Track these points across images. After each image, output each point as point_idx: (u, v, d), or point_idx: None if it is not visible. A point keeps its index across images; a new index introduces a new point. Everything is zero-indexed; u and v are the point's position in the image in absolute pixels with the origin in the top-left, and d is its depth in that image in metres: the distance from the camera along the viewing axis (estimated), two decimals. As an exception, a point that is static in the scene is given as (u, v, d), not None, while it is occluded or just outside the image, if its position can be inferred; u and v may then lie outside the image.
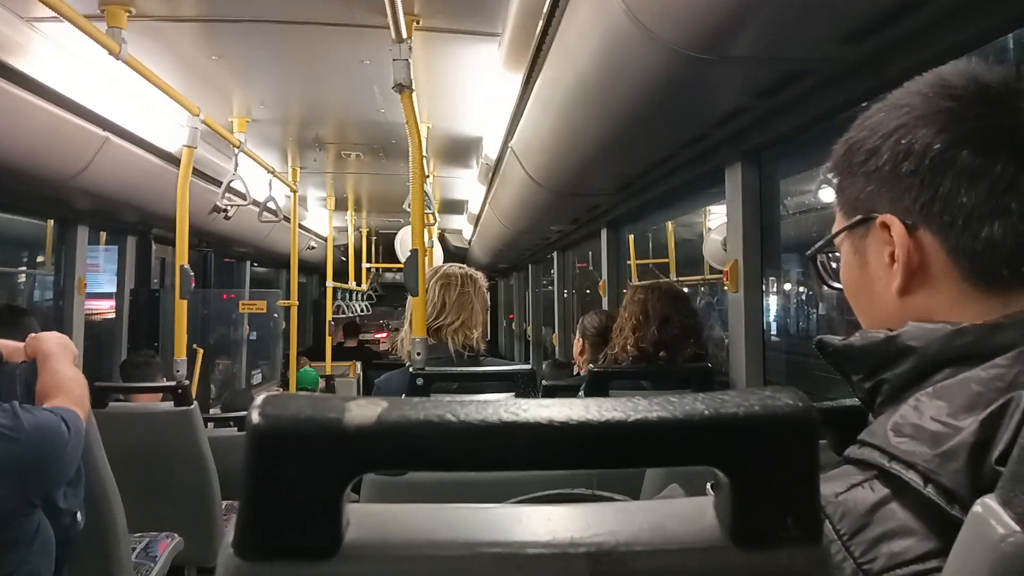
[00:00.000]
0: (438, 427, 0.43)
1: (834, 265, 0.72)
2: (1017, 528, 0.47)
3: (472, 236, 6.79)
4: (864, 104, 1.62)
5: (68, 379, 1.54)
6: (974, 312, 0.57)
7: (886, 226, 0.61)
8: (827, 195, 2.18)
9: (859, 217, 0.64)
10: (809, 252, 0.74)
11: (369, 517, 0.45)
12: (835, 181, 0.68)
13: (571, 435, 0.44)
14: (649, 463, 0.49)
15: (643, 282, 2.72)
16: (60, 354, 1.58)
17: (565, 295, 5.50)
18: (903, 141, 0.59)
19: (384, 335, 9.00)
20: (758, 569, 0.45)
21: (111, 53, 2.19)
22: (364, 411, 0.42)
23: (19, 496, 1.28)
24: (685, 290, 2.94)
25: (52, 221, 3.77)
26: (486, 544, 0.45)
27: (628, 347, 2.12)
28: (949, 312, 0.58)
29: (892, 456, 0.53)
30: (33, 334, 1.63)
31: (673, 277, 3.77)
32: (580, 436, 0.44)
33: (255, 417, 0.42)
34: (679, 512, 0.51)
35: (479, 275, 2.13)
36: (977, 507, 0.50)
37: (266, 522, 0.42)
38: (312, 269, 7.46)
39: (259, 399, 0.43)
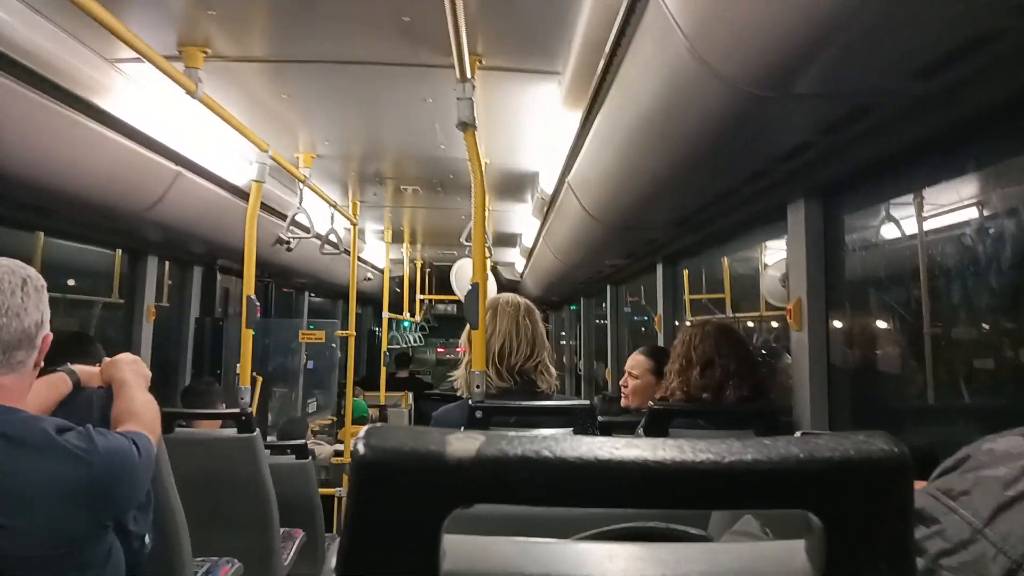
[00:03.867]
0: (535, 463, 0.44)
1: None
2: None
3: (524, 269, 6.82)
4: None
5: (141, 404, 1.58)
6: None
7: None
8: (890, 231, 2.14)
9: None
10: None
11: (464, 549, 0.46)
12: None
13: (666, 475, 0.45)
14: (743, 505, 0.49)
15: (692, 320, 2.71)
16: (134, 380, 1.63)
17: (617, 329, 5.47)
18: None
19: (441, 351, 9.14)
20: (853, 613, 0.45)
21: (188, 92, 2.29)
22: (464, 445, 0.43)
23: (92, 518, 1.31)
24: (749, 323, 2.90)
25: (121, 251, 3.91)
26: (578, 581, 0.45)
27: (677, 392, 2.11)
28: None
29: None
30: (108, 359, 1.68)
31: (729, 313, 3.72)
32: (675, 476, 0.45)
33: (360, 448, 0.43)
34: (768, 555, 0.51)
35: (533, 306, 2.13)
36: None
37: (369, 551, 0.43)
38: (367, 300, 7.59)
39: (363, 430, 0.45)
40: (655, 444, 0.46)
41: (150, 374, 1.71)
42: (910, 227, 2.01)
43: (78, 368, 1.65)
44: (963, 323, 1.88)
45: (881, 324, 2.27)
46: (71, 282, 3.82)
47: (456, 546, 0.46)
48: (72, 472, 1.26)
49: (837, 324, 2.17)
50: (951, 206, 1.80)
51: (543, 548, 0.49)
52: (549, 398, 2.03)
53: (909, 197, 1.93)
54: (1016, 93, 1.30)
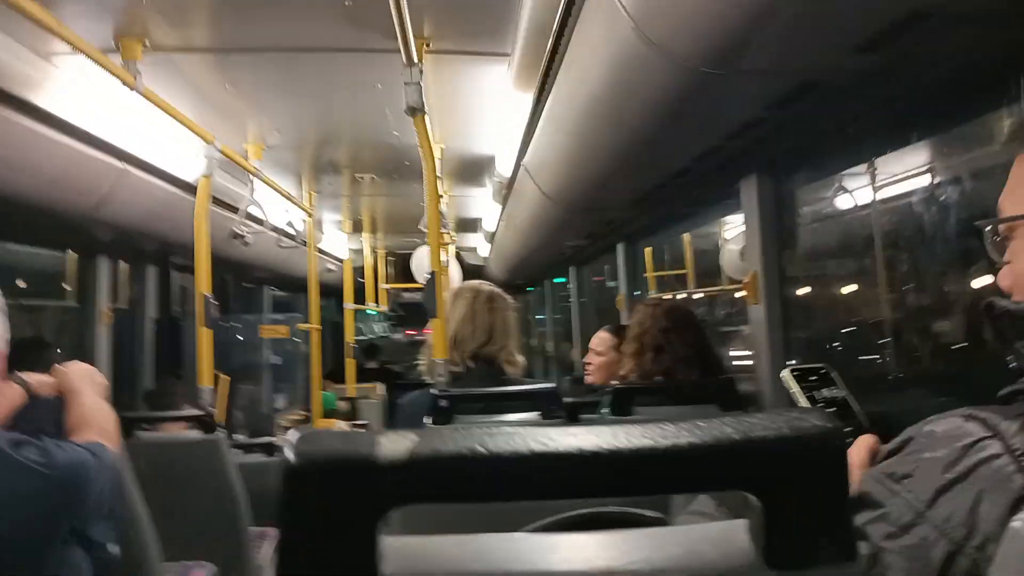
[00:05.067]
0: (469, 460, 0.43)
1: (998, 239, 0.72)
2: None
3: (489, 253, 6.81)
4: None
5: (95, 412, 1.54)
6: None
7: None
8: (844, 202, 2.18)
9: None
10: (983, 224, 0.74)
11: (404, 549, 0.46)
12: None
13: (601, 464, 0.44)
14: (682, 489, 0.50)
15: (646, 302, 2.73)
16: (86, 387, 1.59)
17: (582, 309, 5.50)
18: None
19: (411, 333, 9.01)
20: (794, 590, 0.45)
21: (127, 85, 2.23)
22: (396, 445, 0.42)
23: (53, 532, 1.28)
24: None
25: (72, 252, 3.82)
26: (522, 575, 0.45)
27: (632, 375, 2.14)
28: None
29: None
30: (58, 366, 1.64)
31: (691, 288, 3.76)
32: (610, 464, 0.44)
33: (289, 455, 0.43)
34: (713, 536, 0.51)
35: (505, 295, 2.13)
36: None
37: (305, 556, 0.42)
38: (330, 292, 7.51)
39: (292, 436, 0.44)
40: (593, 432, 0.45)
41: (105, 382, 1.67)
42: (862, 197, 2.04)
43: (30, 377, 1.60)
44: (916, 290, 1.92)
45: (838, 293, 2.31)
46: (22, 284, 3.72)
47: (397, 547, 0.46)
48: (30, 487, 1.23)
49: (794, 296, 2.21)
50: (899, 176, 1.83)
51: (486, 543, 0.49)
52: (516, 382, 2.03)
53: (859, 169, 1.97)
54: (953, 66, 1.33)
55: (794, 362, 2.10)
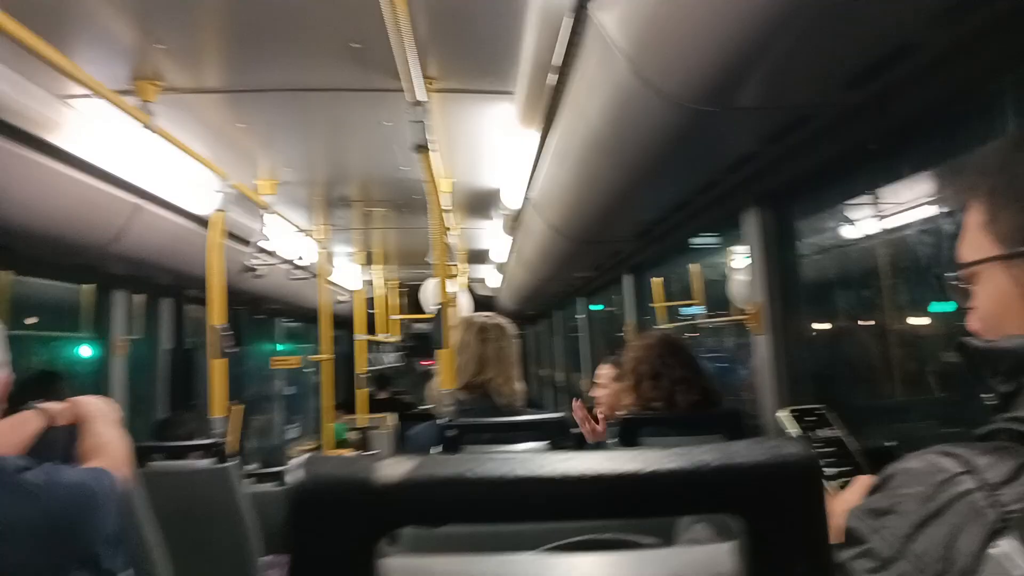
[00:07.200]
0: (459, 484, 0.46)
1: (961, 285, 0.74)
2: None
3: (500, 284, 6.84)
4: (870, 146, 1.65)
5: (107, 440, 1.57)
6: None
7: None
8: (842, 234, 2.20)
9: None
10: (949, 275, 0.76)
11: (407, 570, 0.48)
12: (981, 206, 0.70)
13: (587, 488, 0.47)
14: (666, 512, 0.52)
15: (638, 337, 2.76)
16: (101, 416, 1.62)
17: (592, 339, 5.50)
18: None
19: (424, 363, 8.99)
20: (776, 612, 0.47)
21: (142, 123, 2.29)
22: (393, 469, 0.45)
23: (57, 556, 1.29)
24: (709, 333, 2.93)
25: (87, 285, 3.88)
26: (516, 598, 0.47)
27: (632, 408, 2.15)
28: None
29: None
30: (73, 398, 1.67)
31: (701, 318, 3.76)
32: (596, 489, 0.47)
33: (292, 478, 0.46)
34: (700, 559, 0.53)
35: (508, 323, 2.17)
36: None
37: (309, 577, 0.45)
38: (342, 323, 7.55)
39: (297, 461, 0.47)
40: (582, 458, 0.48)
41: (119, 413, 1.69)
42: (863, 228, 2.07)
43: (50, 407, 1.64)
44: (917, 320, 1.93)
45: (841, 324, 2.32)
46: (34, 320, 3.77)
47: (397, 568, 0.48)
48: (30, 509, 1.25)
49: (798, 326, 2.22)
50: (895, 207, 1.85)
51: (484, 565, 0.51)
52: (515, 412, 2.05)
53: (857, 200, 1.99)
54: (938, 99, 1.36)
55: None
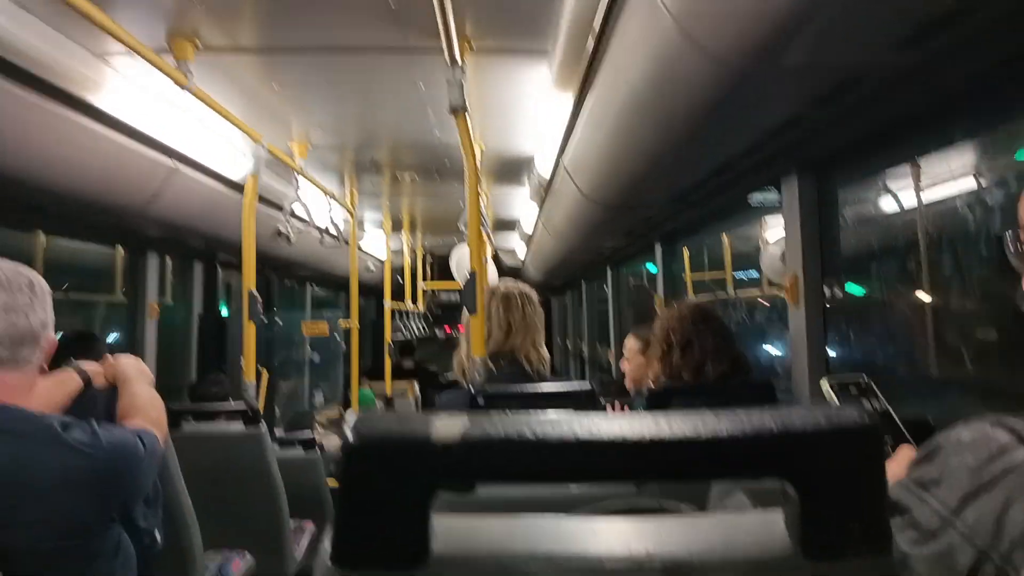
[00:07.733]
0: (517, 444, 0.45)
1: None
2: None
3: (525, 254, 6.82)
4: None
5: (145, 400, 1.60)
6: None
7: None
8: (885, 204, 2.15)
9: None
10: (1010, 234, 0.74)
11: (454, 528, 0.48)
12: None
13: (644, 450, 0.46)
14: (719, 476, 0.51)
15: (668, 306, 2.73)
16: (137, 377, 1.65)
17: (619, 312, 5.48)
18: None
19: (448, 330, 9.01)
20: (827, 580, 0.46)
21: (179, 85, 2.29)
22: (449, 428, 0.45)
23: (98, 510, 1.32)
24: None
25: (122, 248, 3.93)
26: (564, 558, 0.47)
27: (661, 377, 2.13)
28: None
29: None
30: (109, 357, 1.70)
31: (730, 292, 3.73)
32: (653, 451, 0.46)
33: (349, 435, 0.45)
34: (749, 525, 0.52)
35: (531, 290, 2.16)
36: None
37: (360, 532, 0.44)
38: (370, 291, 7.58)
39: (353, 418, 0.47)
40: (636, 420, 0.47)
41: (152, 375, 1.72)
42: (905, 199, 2.01)
43: (88, 365, 1.67)
44: (959, 292, 1.88)
45: (879, 297, 2.28)
46: (69, 283, 3.83)
47: (448, 526, 0.48)
48: (76, 466, 1.28)
49: (834, 298, 2.18)
50: (942, 176, 1.80)
51: (531, 524, 0.50)
52: (543, 378, 2.05)
53: (902, 168, 1.94)
54: (991, 64, 1.31)
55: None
